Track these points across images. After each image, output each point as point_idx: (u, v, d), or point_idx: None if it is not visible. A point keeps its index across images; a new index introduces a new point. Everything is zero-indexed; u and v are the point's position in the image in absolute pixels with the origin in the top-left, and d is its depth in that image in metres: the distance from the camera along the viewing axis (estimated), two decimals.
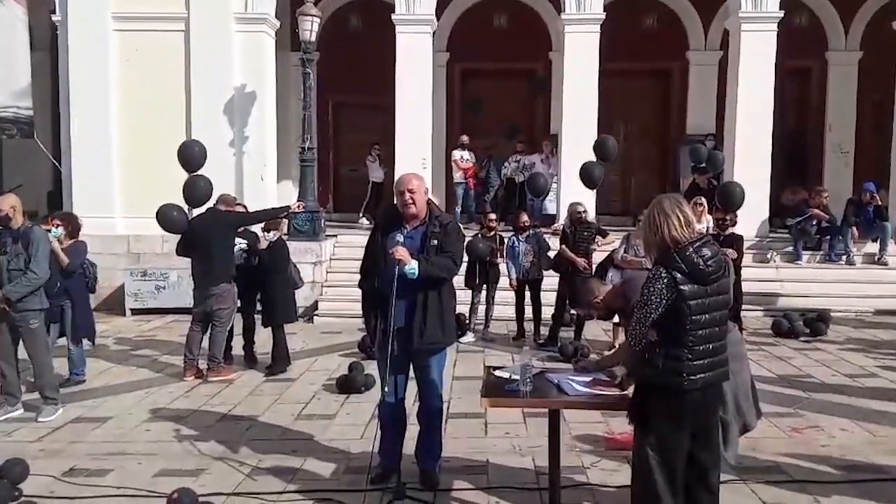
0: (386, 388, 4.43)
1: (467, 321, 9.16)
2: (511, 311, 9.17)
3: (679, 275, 3.15)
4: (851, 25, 14.99)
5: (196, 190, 7.53)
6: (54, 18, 11.90)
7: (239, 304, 7.98)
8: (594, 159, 9.04)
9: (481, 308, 9.22)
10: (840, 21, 14.97)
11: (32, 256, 5.78)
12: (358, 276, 4.76)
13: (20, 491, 4.47)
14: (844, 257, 11.59)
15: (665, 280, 3.16)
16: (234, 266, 7.45)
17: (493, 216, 9.58)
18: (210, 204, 7.67)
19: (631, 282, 4.00)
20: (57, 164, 12.35)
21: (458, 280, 8.67)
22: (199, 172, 7.79)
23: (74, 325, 7.06)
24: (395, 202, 4.49)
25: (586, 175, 8.78)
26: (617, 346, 7.16)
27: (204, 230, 7.29)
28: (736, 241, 8.09)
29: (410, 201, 4.37)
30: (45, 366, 6.13)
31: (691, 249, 3.19)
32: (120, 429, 5.86)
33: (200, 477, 4.79)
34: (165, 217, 7.28)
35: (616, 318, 8.07)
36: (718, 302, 3.26)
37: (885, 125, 12.97)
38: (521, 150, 14.18)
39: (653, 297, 3.17)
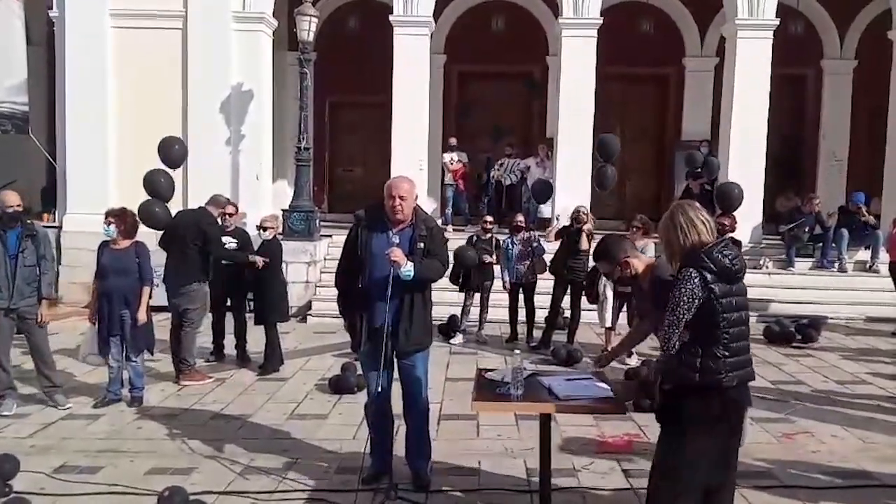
0: (378, 388, 4.44)
1: (458, 323, 9.17)
2: (505, 313, 9.19)
3: (709, 274, 3.18)
4: (847, 34, 15.07)
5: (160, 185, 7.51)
6: (51, 14, 11.86)
7: (230, 303, 7.98)
8: (598, 159, 9.04)
9: (474, 310, 9.22)
10: (835, 29, 15.04)
11: (46, 251, 6.16)
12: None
13: (10, 487, 4.47)
14: (837, 264, 11.63)
15: (696, 280, 3.17)
16: (209, 266, 7.33)
17: (489, 218, 9.54)
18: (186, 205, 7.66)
19: (659, 267, 3.76)
20: (52, 160, 12.31)
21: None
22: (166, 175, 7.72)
23: (134, 335, 6.30)
24: (384, 204, 4.44)
25: (600, 178, 8.83)
26: (620, 339, 7.06)
27: (184, 227, 7.25)
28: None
29: (399, 208, 4.36)
30: (51, 356, 6.37)
31: (716, 250, 3.23)
32: (112, 426, 5.85)
33: (192, 475, 4.79)
34: (147, 212, 7.19)
35: (608, 322, 8.19)
36: (743, 301, 3.29)
37: (878, 134, 13.03)
38: (510, 154, 14.20)
39: (684, 298, 3.16)
